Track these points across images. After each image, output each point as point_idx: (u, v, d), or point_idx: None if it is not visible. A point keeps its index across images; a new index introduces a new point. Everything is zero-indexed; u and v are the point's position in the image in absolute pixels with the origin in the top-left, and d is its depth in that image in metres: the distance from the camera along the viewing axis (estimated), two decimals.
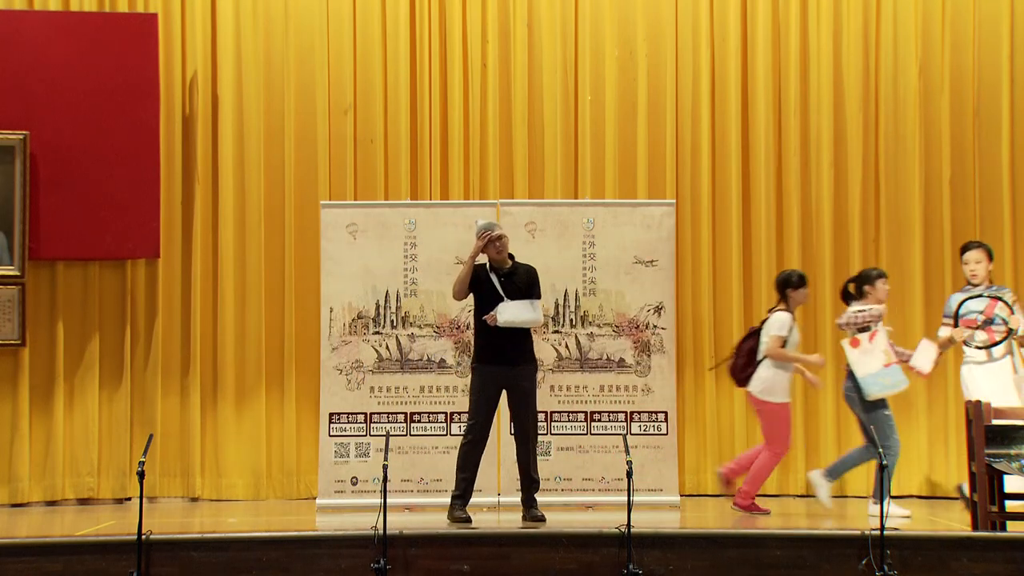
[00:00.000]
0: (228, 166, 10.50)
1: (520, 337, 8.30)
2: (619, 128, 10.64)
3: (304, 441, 10.30)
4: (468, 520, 8.11)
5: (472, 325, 9.02)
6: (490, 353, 8.26)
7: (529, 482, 8.29)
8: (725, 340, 10.44)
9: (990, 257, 9.09)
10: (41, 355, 10.20)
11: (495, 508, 9.09)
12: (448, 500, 8.78)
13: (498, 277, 8.30)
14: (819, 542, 7.31)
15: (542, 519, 8.12)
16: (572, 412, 9.33)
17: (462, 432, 8.46)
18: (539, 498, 8.32)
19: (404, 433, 9.26)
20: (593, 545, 7.26)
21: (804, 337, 10.48)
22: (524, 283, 8.35)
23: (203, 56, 10.56)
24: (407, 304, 9.36)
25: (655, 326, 9.33)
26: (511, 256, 8.44)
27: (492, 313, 8.20)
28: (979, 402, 7.74)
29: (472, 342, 9.13)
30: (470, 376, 8.45)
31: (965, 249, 9.16)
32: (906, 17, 10.62)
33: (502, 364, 8.24)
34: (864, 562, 7.06)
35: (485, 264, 8.36)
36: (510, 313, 8.20)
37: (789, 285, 9.00)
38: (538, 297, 8.40)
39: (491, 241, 8.29)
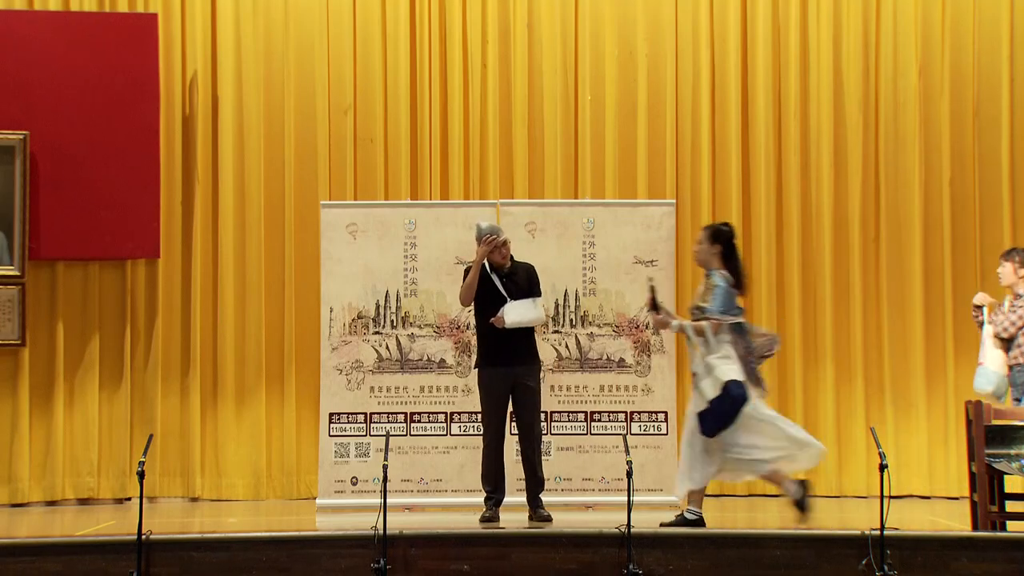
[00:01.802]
0: (228, 166, 10.50)
1: (524, 336, 8.29)
2: (619, 128, 10.64)
3: (304, 441, 10.30)
4: (491, 520, 8.12)
5: (472, 325, 9.03)
6: (494, 354, 8.24)
7: (535, 482, 8.29)
8: None
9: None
10: (41, 355, 10.19)
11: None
12: (448, 500, 8.91)
13: (499, 277, 8.29)
14: (819, 542, 7.30)
15: (548, 519, 8.12)
16: (572, 412, 9.33)
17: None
18: (539, 498, 8.32)
19: (404, 433, 9.26)
20: (593, 545, 7.25)
21: (805, 333, 10.51)
22: (525, 282, 8.34)
23: (203, 56, 10.56)
24: (407, 304, 9.35)
25: None
26: (511, 256, 8.44)
27: (499, 315, 8.18)
28: (979, 402, 7.74)
29: (472, 342, 9.15)
30: (477, 379, 8.43)
31: None
32: (906, 17, 10.62)
33: (507, 364, 8.22)
34: (864, 562, 7.06)
35: (484, 265, 8.35)
36: (516, 313, 8.18)
37: None
38: (539, 295, 8.40)
39: (496, 247, 8.28)
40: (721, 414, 7.53)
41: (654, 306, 7.89)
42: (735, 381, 7.51)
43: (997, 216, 10.54)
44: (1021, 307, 8.28)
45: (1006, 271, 8.45)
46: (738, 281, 7.75)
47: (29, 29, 10.17)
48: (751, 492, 10.31)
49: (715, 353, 7.59)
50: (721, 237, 7.80)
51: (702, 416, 7.58)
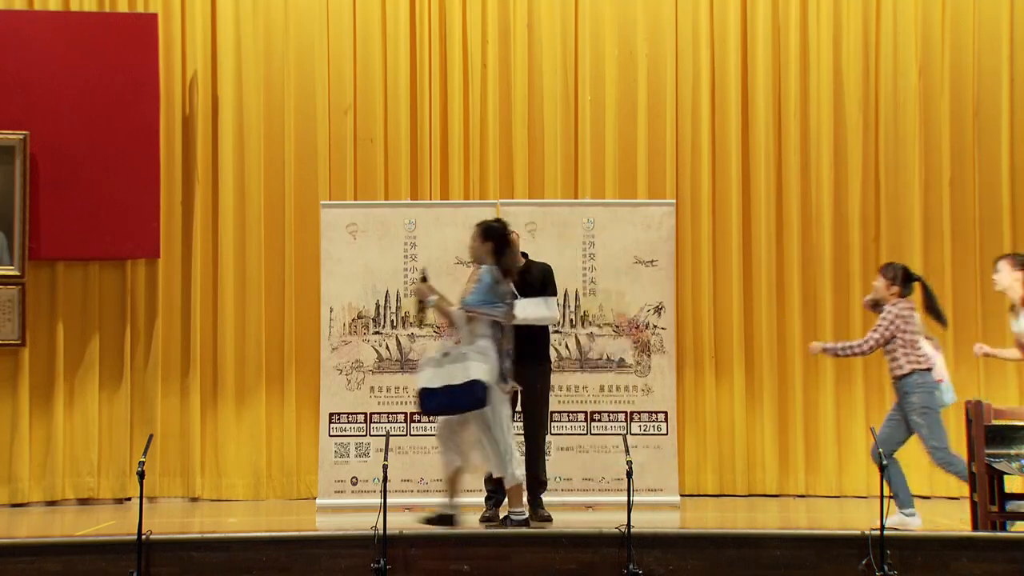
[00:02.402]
0: (228, 166, 10.51)
1: (533, 335, 8.25)
2: (619, 128, 10.64)
3: (304, 441, 10.30)
4: (491, 520, 8.12)
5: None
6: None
7: (536, 483, 8.28)
8: (725, 340, 10.45)
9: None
10: (41, 355, 10.19)
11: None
12: (447, 500, 8.93)
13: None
14: (819, 542, 7.31)
15: (549, 519, 8.12)
16: (572, 412, 9.33)
17: None
18: (539, 498, 8.32)
19: (404, 433, 9.27)
20: (593, 545, 7.26)
21: (805, 333, 10.52)
22: (538, 281, 8.29)
23: (203, 56, 10.56)
24: (407, 304, 9.35)
25: (655, 326, 9.32)
26: (524, 254, 8.40)
27: None
28: (979, 402, 7.74)
29: None
30: None
31: None
32: (906, 17, 10.63)
33: (515, 364, 8.19)
34: (864, 562, 7.06)
35: None
36: (524, 310, 8.15)
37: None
38: (553, 294, 8.35)
39: None
40: (451, 403, 7.55)
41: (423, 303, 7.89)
42: (481, 383, 7.51)
43: (997, 216, 10.54)
44: (882, 325, 8.13)
45: (879, 285, 8.29)
46: (506, 273, 7.77)
47: (29, 29, 10.17)
48: (751, 492, 10.32)
49: (472, 345, 7.60)
50: (492, 234, 7.83)
51: (429, 393, 7.58)
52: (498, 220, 8.05)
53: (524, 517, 7.69)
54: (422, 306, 7.86)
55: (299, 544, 7.31)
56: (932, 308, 8.27)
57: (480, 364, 7.52)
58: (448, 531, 7.57)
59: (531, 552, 7.28)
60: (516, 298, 8.05)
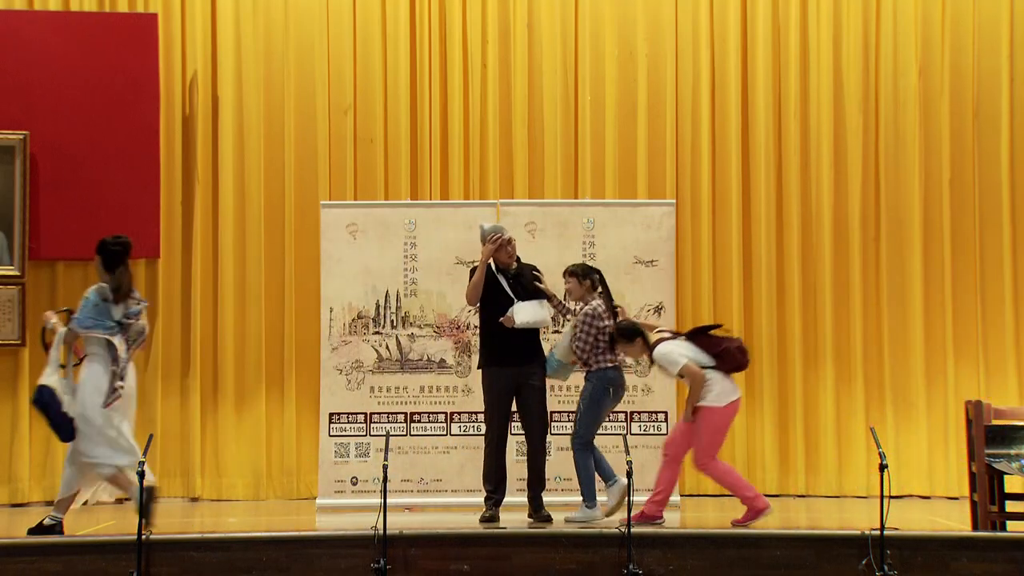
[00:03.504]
0: (228, 166, 10.51)
1: (528, 337, 8.25)
2: (619, 128, 10.65)
3: (304, 441, 10.30)
4: (491, 520, 8.11)
5: (472, 325, 9.05)
6: (499, 354, 8.21)
7: (537, 483, 8.28)
8: None
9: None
10: (41, 355, 10.12)
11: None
12: (448, 500, 8.92)
13: (505, 278, 8.26)
14: (819, 542, 7.31)
15: (549, 519, 8.12)
16: (572, 412, 9.30)
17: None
18: (540, 497, 8.31)
19: (404, 433, 9.26)
20: (593, 545, 7.26)
21: (805, 333, 10.52)
22: (531, 283, 8.29)
23: (203, 56, 10.57)
24: (407, 304, 9.35)
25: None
26: (517, 258, 8.40)
27: (508, 315, 8.14)
28: (979, 402, 7.74)
29: (472, 343, 9.16)
30: (481, 379, 8.40)
31: None
32: (906, 18, 10.63)
33: (512, 364, 8.20)
34: (864, 562, 7.06)
35: (491, 265, 8.31)
36: (526, 314, 8.14)
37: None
38: (544, 297, 8.37)
39: (502, 246, 8.25)
40: (48, 419, 7.76)
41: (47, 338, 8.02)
42: (45, 387, 7.69)
43: (997, 216, 10.55)
44: (581, 336, 8.06)
45: (573, 286, 8.22)
46: (115, 293, 7.77)
47: (29, 29, 10.18)
48: None
49: (55, 364, 7.76)
50: (100, 248, 7.87)
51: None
52: (116, 236, 7.97)
53: (55, 523, 7.68)
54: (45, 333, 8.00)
55: (299, 544, 7.31)
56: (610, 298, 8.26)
57: (49, 377, 7.72)
58: (448, 531, 7.56)
59: (531, 552, 7.28)
60: (141, 321, 7.93)
